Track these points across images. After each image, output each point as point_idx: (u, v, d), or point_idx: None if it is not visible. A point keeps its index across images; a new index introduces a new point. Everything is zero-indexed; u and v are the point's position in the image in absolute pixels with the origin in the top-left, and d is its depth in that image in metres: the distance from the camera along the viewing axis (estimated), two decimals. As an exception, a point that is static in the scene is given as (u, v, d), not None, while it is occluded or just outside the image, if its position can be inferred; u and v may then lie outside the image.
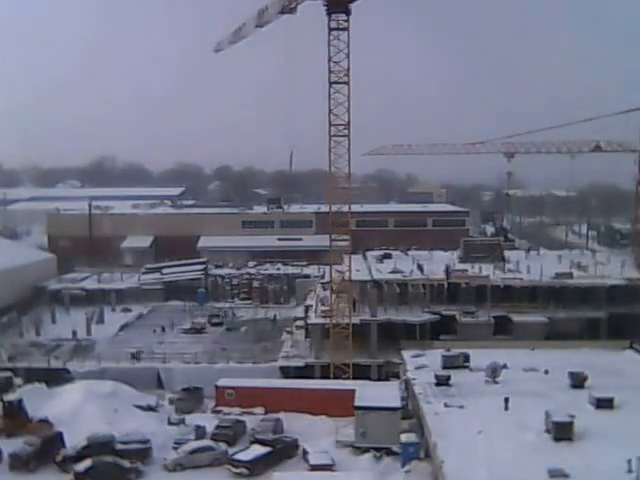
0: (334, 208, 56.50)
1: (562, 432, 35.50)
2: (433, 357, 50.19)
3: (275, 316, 76.16)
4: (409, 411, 45.17)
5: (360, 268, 68.81)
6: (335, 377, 54.75)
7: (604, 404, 39.72)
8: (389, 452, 40.21)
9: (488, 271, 66.63)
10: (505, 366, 46.10)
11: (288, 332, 69.50)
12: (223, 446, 40.92)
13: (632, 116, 68.10)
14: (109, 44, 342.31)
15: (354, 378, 52.53)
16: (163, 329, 72.58)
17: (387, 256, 77.27)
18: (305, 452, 40.57)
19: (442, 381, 44.59)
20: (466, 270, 67.41)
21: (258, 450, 39.60)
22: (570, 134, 70.48)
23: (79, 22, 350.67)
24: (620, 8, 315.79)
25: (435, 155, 66.84)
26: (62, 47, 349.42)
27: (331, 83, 53.63)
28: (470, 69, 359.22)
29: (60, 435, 41.13)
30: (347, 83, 53.54)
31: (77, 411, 45.55)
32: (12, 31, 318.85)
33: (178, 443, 41.95)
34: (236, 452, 39.76)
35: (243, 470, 38.27)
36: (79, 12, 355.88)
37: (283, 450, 40.66)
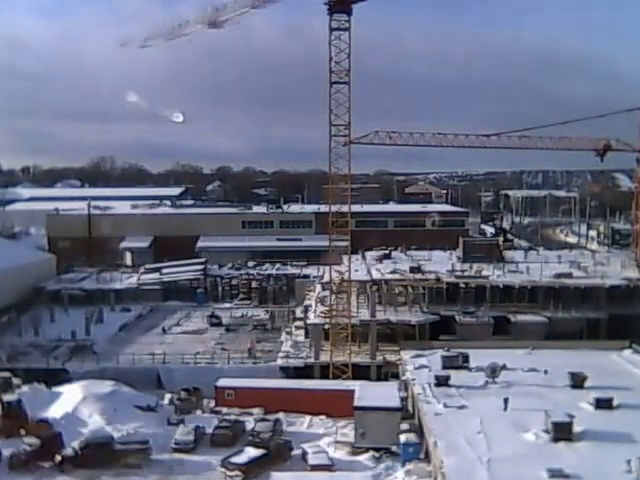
0: (334, 208, 56.49)
1: (561, 432, 35.43)
2: (433, 357, 50.14)
3: (274, 314, 76.15)
4: (408, 411, 45.14)
5: (359, 268, 68.80)
6: (334, 377, 54.72)
7: (603, 404, 39.64)
8: (389, 452, 40.21)
9: (488, 271, 66.66)
10: (505, 366, 46.01)
11: (287, 332, 69.45)
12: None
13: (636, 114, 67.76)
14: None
15: (353, 378, 52.46)
16: (163, 330, 72.73)
17: (387, 256, 77.24)
18: (304, 452, 40.53)
19: (442, 381, 44.52)
20: (466, 270, 67.58)
21: (252, 453, 39.47)
22: (571, 132, 69.95)
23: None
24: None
25: (440, 147, 65.09)
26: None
27: (332, 83, 53.60)
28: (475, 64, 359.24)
29: (59, 435, 41.10)
30: (348, 83, 53.53)
31: (76, 411, 45.51)
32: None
33: (178, 443, 41.99)
34: (230, 455, 39.52)
35: (237, 473, 38.08)
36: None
37: (277, 452, 40.52)
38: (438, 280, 64.67)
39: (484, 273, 66.13)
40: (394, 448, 40.05)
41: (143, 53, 69.13)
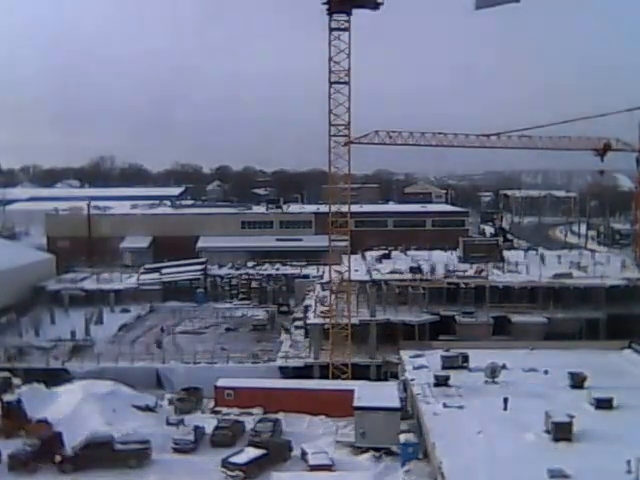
0: (333, 208, 56.51)
1: (561, 432, 35.45)
2: (432, 357, 50.10)
3: (274, 313, 76.19)
4: (408, 411, 45.15)
5: (359, 268, 68.79)
6: (334, 377, 54.75)
7: (603, 404, 39.67)
8: (388, 452, 40.21)
9: (489, 271, 66.55)
10: (504, 366, 46.02)
11: (287, 332, 69.52)
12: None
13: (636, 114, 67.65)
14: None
15: (353, 378, 52.51)
16: (162, 330, 72.80)
17: (386, 256, 77.26)
18: (304, 452, 40.50)
19: (441, 381, 44.51)
20: (466, 270, 67.59)
21: (252, 453, 39.45)
22: (571, 132, 69.85)
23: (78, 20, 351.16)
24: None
25: (441, 147, 65.10)
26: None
27: (331, 83, 53.59)
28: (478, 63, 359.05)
29: (59, 435, 41.04)
30: (347, 83, 53.53)
31: (76, 411, 45.49)
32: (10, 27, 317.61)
33: (177, 443, 42.00)
34: (230, 455, 39.47)
35: (238, 473, 38.04)
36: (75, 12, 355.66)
37: (277, 452, 40.48)
38: (438, 280, 64.71)
39: (483, 274, 66.01)
40: (394, 448, 40.05)
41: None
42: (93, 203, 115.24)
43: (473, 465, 32.63)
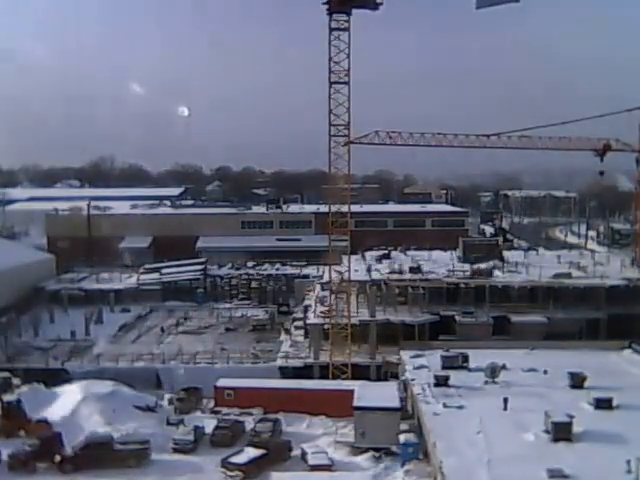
0: (333, 208, 56.52)
1: (561, 432, 35.47)
2: (432, 357, 50.12)
3: (274, 313, 76.17)
4: (408, 411, 45.15)
5: (359, 268, 68.79)
6: (334, 377, 54.75)
7: (603, 404, 39.68)
8: (388, 452, 40.21)
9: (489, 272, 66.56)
10: (504, 366, 46.05)
11: (287, 332, 69.50)
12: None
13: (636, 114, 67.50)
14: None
15: (353, 378, 52.48)
16: (162, 330, 72.82)
17: (386, 256, 77.25)
18: (304, 452, 40.54)
19: (441, 381, 44.52)
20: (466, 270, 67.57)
21: (252, 453, 39.50)
22: (571, 132, 69.73)
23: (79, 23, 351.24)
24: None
25: (440, 148, 65.29)
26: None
27: (331, 83, 53.59)
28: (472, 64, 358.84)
29: (59, 436, 41.08)
30: (347, 83, 53.53)
31: (76, 411, 45.55)
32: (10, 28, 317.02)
33: (177, 443, 42.00)
34: (230, 455, 39.53)
35: (238, 473, 38.10)
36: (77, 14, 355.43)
37: (277, 452, 40.52)
38: (438, 280, 64.71)
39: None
40: (394, 448, 40.06)
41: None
42: (93, 203, 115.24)
43: (473, 465, 32.66)
